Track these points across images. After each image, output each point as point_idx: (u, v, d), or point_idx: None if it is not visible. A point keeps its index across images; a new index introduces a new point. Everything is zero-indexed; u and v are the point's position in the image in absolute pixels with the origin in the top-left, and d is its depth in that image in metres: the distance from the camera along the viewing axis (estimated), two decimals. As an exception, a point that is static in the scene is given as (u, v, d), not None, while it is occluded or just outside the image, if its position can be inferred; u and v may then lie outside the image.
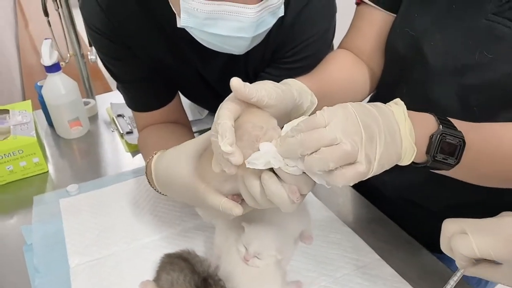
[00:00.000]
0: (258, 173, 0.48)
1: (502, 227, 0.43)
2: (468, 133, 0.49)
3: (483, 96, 0.60)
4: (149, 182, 0.69)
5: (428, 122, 0.49)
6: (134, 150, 1.02)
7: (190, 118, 1.11)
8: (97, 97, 1.27)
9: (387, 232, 0.74)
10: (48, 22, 1.11)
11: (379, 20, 0.72)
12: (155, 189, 0.68)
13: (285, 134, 0.46)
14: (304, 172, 0.45)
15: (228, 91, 0.49)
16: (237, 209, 0.53)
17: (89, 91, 1.27)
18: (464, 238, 0.43)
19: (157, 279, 0.63)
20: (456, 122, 0.50)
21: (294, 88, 0.57)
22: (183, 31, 0.61)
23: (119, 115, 1.14)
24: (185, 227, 0.77)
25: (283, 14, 0.61)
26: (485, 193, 0.60)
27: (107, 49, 0.76)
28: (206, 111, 1.12)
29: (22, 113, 1.01)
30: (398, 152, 0.46)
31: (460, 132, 0.49)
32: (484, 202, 0.71)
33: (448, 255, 0.47)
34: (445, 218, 0.77)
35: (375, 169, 0.44)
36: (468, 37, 0.58)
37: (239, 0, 0.53)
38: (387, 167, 0.46)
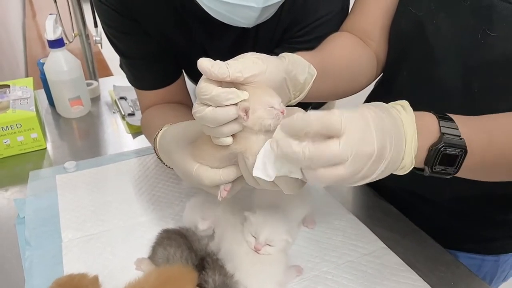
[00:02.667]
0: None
1: None
2: (472, 135, 0.46)
3: (484, 79, 0.57)
4: (159, 158, 0.67)
5: (430, 130, 0.46)
6: (135, 131, 1.00)
7: (194, 102, 1.09)
8: (100, 79, 1.25)
9: (392, 221, 0.71)
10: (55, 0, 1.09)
11: (387, 2, 0.68)
12: (164, 164, 0.66)
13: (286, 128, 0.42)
14: None
15: None
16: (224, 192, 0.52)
17: (92, 73, 1.25)
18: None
19: (152, 255, 0.60)
20: (460, 120, 0.47)
21: (287, 59, 0.53)
22: (192, 6, 0.59)
23: (121, 98, 1.12)
24: (183, 207, 0.73)
25: None
26: (491, 185, 0.57)
27: (114, 22, 0.74)
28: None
29: (23, 88, 0.98)
30: (396, 167, 0.44)
31: (462, 140, 0.45)
32: (490, 194, 0.68)
33: None
34: (449, 211, 0.74)
35: (368, 181, 0.42)
36: (471, 16, 0.56)
37: None
38: (380, 178, 0.43)
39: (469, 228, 0.76)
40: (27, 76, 1.65)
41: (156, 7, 0.72)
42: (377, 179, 0.43)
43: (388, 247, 0.66)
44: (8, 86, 1.00)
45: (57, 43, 0.94)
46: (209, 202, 0.65)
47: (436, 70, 0.62)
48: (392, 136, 0.42)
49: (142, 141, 0.95)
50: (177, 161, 0.55)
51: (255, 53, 0.49)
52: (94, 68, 1.25)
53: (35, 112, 0.89)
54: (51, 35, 0.92)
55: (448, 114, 0.48)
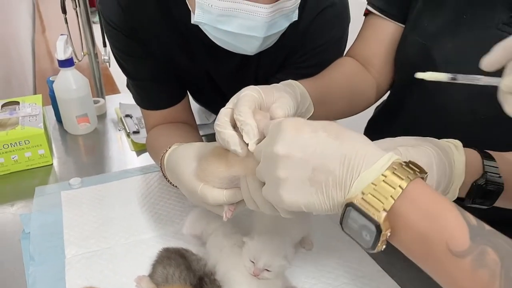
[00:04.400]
0: None
1: None
2: (508, 174, 0.50)
3: (491, 106, 0.60)
4: (164, 176, 0.69)
5: (475, 167, 0.51)
6: (139, 149, 1.02)
7: (198, 122, 1.11)
8: (106, 97, 1.28)
9: (389, 243, 0.73)
10: (65, 19, 1.13)
11: (387, 31, 0.73)
12: (169, 181, 0.68)
13: None
14: None
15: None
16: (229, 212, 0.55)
17: (99, 90, 1.28)
18: None
19: (152, 273, 0.62)
20: (498, 157, 0.51)
21: (298, 92, 0.58)
22: (197, 32, 0.62)
23: (127, 115, 1.15)
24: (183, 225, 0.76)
25: (296, 18, 0.62)
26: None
27: (122, 44, 0.77)
28: (214, 116, 1.13)
29: (32, 105, 1.01)
30: None
31: (501, 179, 0.50)
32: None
33: None
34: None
35: None
36: (478, 46, 0.58)
37: None
38: None
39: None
40: (35, 90, 1.69)
41: (162, 32, 0.75)
42: None
43: (384, 269, 0.67)
44: (17, 103, 1.03)
45: (67, 63, 0.98)
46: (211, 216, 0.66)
47: (444, 97, 0.64)
48: (446, 174, 0.47)
49: (146, 159, 0.98)
50: (183, 179, 0.58)
51: (285, 89, 0.54)
52: (102, 86, 1.28)
53: (43, 129, 0.92)
54: (61, 55, 0.95)
55: (488, 152, 0.52)
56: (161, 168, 0.69)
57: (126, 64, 0.80)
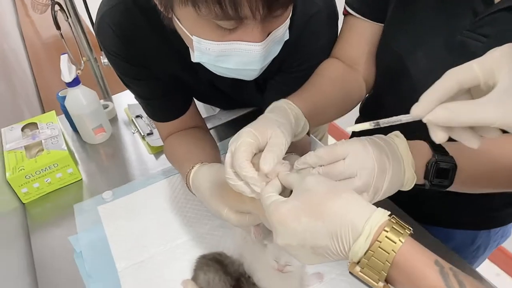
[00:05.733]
0: None
1: None
2: (458, 155, 0.56)
3: None
4: (190, 190, 0.76)
5: (424, 151, 0.56)
6: (156, 151, 1.10)
7: (204, 115, 1.18)
8: (113, 97, 1.33)
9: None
10: (61, 35, 1.15)
11: (367, 30, 0.75)
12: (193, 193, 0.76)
13: (303, 164, 0.54)
14: None
15: (240, 96, 0.56)
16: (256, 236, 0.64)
17: (105, 92, 1.33)
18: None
19: (195, 278, 0.73)
20: (446, 146, 0.57)
21: (292, 116, 0.64)
22: None
23: (137, 116, 1.21)
24: (212, 225, 0.86)
25: (288, 37, 0.66)
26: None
27: (125, 70, 0.82)
28: (218, 108, 1.19)
29: (50, 125, 1.08)
30: (401, 181, 0.54)
31: (451, 157, 0.55)
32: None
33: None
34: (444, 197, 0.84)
35: (380, 197, 0.51)
36: (446, 53, 0.62)
37: (247, 38, 0.57)
38: (391, 193, 0.54)
39: (464, 210, 0.87)
40: (41, 101, 1.73)
41: (161, 54, 0.79)
42: (389, 194, 0.54)
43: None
44: (35, 124, 1.10)
45: (74, 82, 1.02)
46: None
47: (416, 98, 0.70)
48: (388, 153, 0.53)
49: (165, 161, 1.06)
50: (209, 202, 0.66)
51: (280, 126, 0.58)
52: (107, 88, 1.33)
53: (67, 151, 0.99)
54: (68, 78, 1.00)
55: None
56: (187, 184, 0.77)
57: (132, 86, 0.86)
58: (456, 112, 0.39)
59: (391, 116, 0.73)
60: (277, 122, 0.60)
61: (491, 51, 0.41)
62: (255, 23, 0.54)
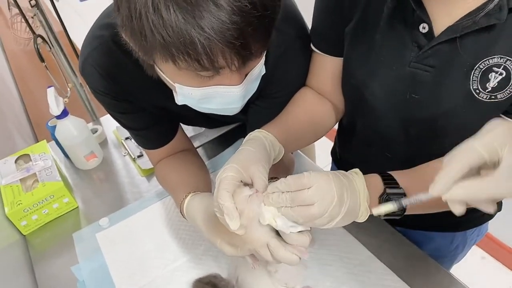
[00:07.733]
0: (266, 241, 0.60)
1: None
2: (408, 184, 0.63)
3: (418, 128, 0.71)
4: (184, 217, 0.81)
5: (377, 184, 0.64)
6: (148, 174, 1.14)
7: (191, 133, 1.22)
8: (102, 119, 1.37)
9: (373, 226, 0.87)
10: (46, 67, 1.18)
11: (329, 65, 0.80)
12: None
13: (274, 189, 0.60)
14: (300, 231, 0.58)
15: (225, 117, 0.68)
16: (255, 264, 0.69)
17: (93, 115, 1.37)
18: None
19: (194, 301, 0.78)
20: (399, 176, 0.64)
21: (267, 144, 0.70)
22: None
23: (127, 138, 1.25)
24: (206, 246, 0.91)
25: (265, 72, 0.70)
26: None
27: (112, 105, 0.85)
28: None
29: (42, 156, 1.12)
30: (356, 213, 0.61)
31: (401, 189, 0.63)
32: None
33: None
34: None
35: (334, 225, 0.59)
36: (397, 83, 0.68)
37: (226, 82, 0.61)
38: (346, 224, 0.60)
39: (441, 214, 0.93)
40: (32, 127, 1.74)
41: (146, 87, 0.82)
42: (342, 224, 0.60)
43: (373, 253, 0.83)
44: (28, 155, 1.13)
45: (63, 114, 1.06)
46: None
47: (380, 122, 0.75)
48: (348, 188, 0.60)
49: (157, 182, 1.10)
50: (203, 232, 0.72)
51: (256, 156, 0.65)
52: (94, 111, 1.36)
53: (61, 181, 1.03)
54: (56, 111, 1.03)
55: (389, 172, 0.66)
56: (181, 212, 0.81)
57: (120, 119, 0.89)
58: (471, 190, 0.47)
59: (364, 137, 0.80)
60: (257, 154, 0.66)
61: (486, 128, 0.48)
62: (232, 71, 0.59)
